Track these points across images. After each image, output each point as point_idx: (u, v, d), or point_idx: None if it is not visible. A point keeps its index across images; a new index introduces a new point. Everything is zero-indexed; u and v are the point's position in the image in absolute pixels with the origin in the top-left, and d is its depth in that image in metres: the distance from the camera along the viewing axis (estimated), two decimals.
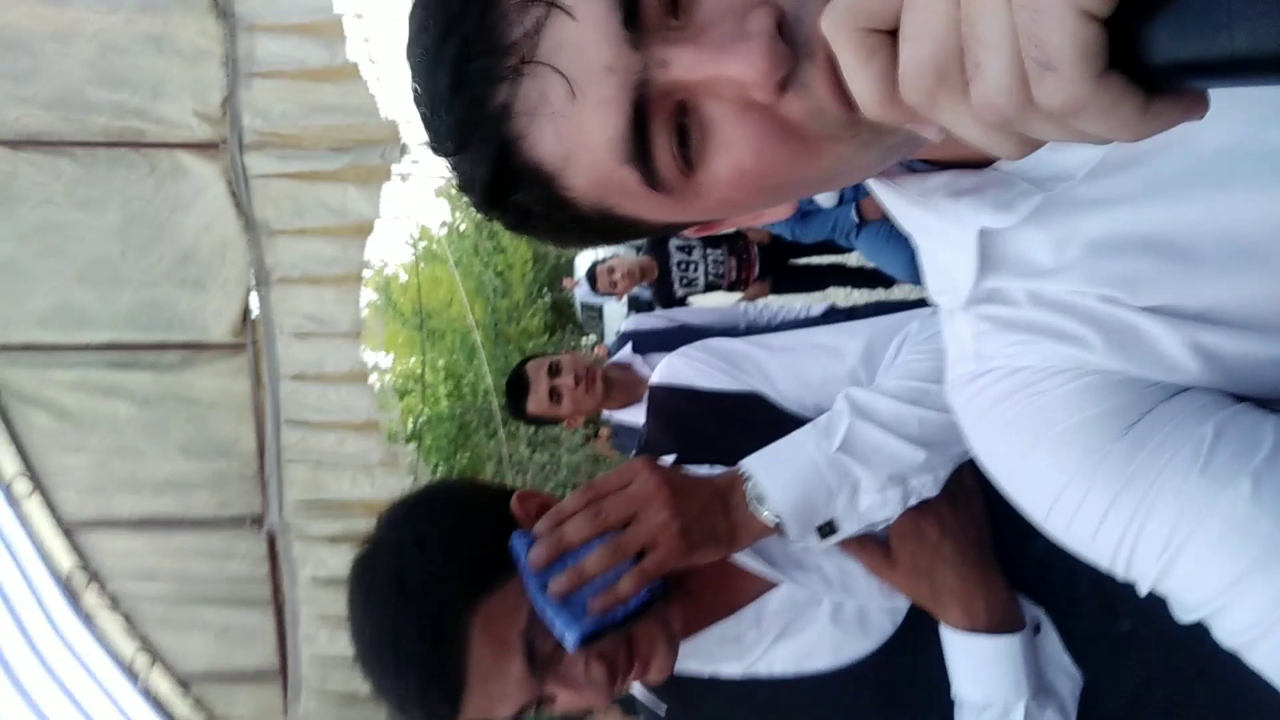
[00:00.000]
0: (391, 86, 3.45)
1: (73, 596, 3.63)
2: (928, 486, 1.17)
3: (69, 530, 3.61)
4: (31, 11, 3.34)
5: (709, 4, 0.59)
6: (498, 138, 0.63)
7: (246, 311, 3.53)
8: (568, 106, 0.61)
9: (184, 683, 3.82)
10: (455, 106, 0.63)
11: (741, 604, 1.27)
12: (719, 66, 0.58)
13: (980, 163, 0.73)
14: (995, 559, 1.20)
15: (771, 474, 1.16)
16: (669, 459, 1.36)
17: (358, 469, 3.72)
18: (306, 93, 3.36)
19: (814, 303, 3.85)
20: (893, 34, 0.45)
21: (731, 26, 0.58)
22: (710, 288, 4.90)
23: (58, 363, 3.52)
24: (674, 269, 4.75)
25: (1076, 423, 0.74)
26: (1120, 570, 0.73)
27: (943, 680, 1.17)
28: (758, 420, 1.37)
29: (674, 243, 4.80)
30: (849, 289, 6.53)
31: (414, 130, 3.28)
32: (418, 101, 0.67)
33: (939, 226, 0.78)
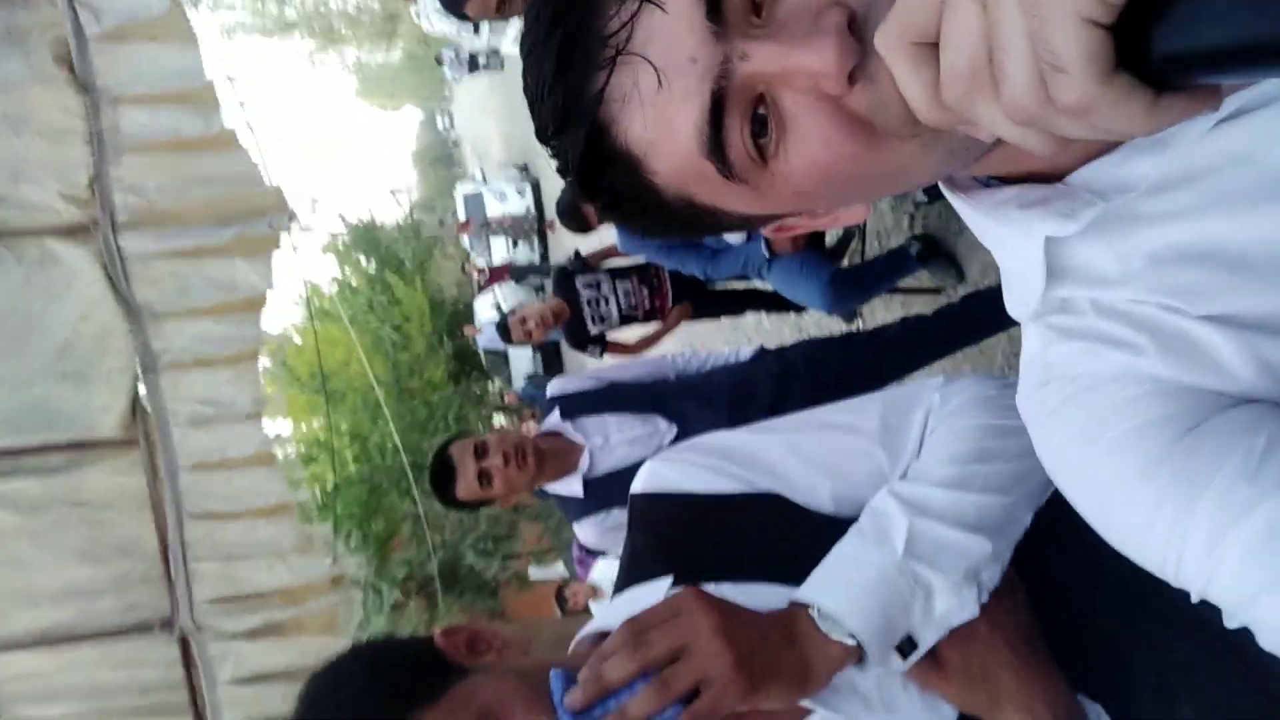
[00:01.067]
0: (273, 151, 3.22)
1: None
2: (996, 578, 1.04)
3: None
4: None
5: (788, 3, 0.63)
6: (592, 122, 0.68)
7: (135, 402, 3.24)
8: (654, 95, 0.65)
9: None
10: (557, 92, 0.68)
11: None
12: (795, 58, 0.62)
13: (1050, 177, 0.76)
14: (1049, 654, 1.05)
15: (836, 594, 1.01)
16: (665, 582, 1.17)
17: (272, 556, 3.43)
18: (182, 165, 3.10)
19: (725, 336, 3.75)
20: (937, 46, 0.50)
21: (807, 23, 0.62)
22: (625, 320, 4.76)
23: None
24: (585, 306, 4.61)
25: (1131, 428, 0.75)
26: (1171, 576, 0.73)
27: None
28: (771, 524, 1.20)
29: (580, 280, 4.66)
30: (761, 314, 6.50)
31: (300, 195, 3.08)
32: (526, 91, 0.71)
33: (1010, 238, 0.81)
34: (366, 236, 23.80)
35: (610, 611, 1.22)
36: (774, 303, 5.12)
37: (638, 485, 1.34)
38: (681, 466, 1.29)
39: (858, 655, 1.00)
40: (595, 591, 8.00)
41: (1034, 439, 0.84)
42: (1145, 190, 0.72)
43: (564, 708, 0.96)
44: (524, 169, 26.37)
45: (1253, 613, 0.68)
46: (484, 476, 3.01)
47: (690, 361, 3.48)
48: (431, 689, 1.05)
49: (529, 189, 24.18)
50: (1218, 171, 0.71)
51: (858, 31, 0.61)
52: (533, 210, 23.61)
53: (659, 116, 0.66)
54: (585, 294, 4.64)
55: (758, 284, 4.89)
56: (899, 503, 1.06)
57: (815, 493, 1.21)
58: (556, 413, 3.28)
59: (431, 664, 1.10)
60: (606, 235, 5.26)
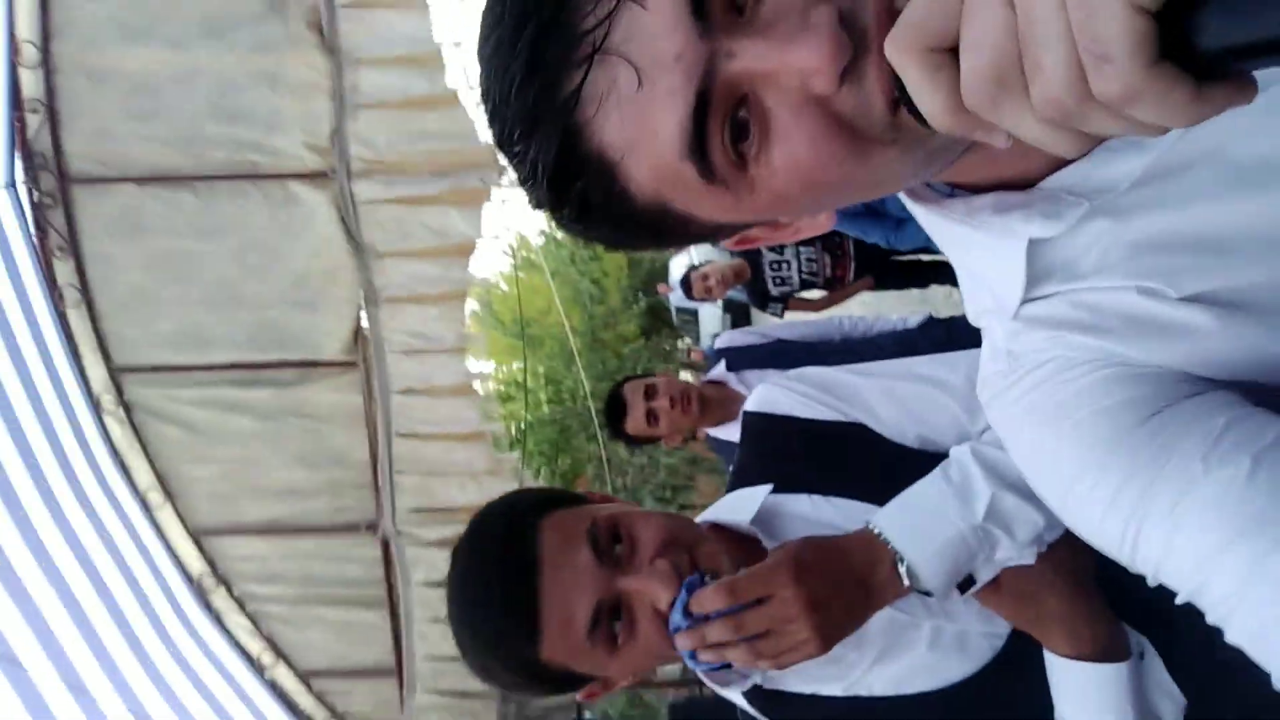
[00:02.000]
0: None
1: (203, 598, 3.75)
2: (1057, 535, 1.13)
3: (198, 536, 3.74)
4: (155, 56, 3.46)
5: (772, 0, 0.59)
6: (565, 124, 0.63)
7: (357, 330, 3.61)
8: (634, 95, 0.61)
9: (306, 678, 3.93)
10: (527, 92, 0.63)
11: None
12: (786, 55, 0.59)
13: (1018, 184, 0.74)
14: (1099, 589, 1.15)
15: (919, 545, 1.11)
16: (765, 489, 1.33)
17: (465, 477, 3.77)
18: (409, 121, 3.41)
19: (912, 308, 3.74)
20: (953, 51, 0.47)
21: (796, 20, 0.58)
22: (805, 285, 4.78)
23: (185, 382, 3.65)
24: (766, 269, 4.68)
25: (1096, 410, 0.74)
26: (1127, 559, 0.72)
27: (1042, 707, 1.14)
28: (858, 449, 1.34)
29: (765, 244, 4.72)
30: (949, 287, 6.35)
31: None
32: (486, 95, 0.66)
33: (986, 242, 0.78)
34: None
35: (718, 508, 1.40)
36: None
37: (751, 404, 1.49)
38: (788, 392, 1.43)
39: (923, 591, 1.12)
40: None
41: (995, 426, 0.85)
42: (1125, 187, 0.70)
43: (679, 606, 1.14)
44: None
45: (1195, 586, 0.68)
46: (651, 415, 3.18)
47: (858, 325, 3.52)
48: (559, 503, 1.27)
49: None
50: (1191, 167, 0.70)
51: (846, 27, 0.58)
52: None
53: (639, 117, 0.62)
54: (768, 256, 4.69)
55: (943, 258, 4.78)
56: (983, 469, 1.14)
57: (902, 433, 1.33)
58: (723, 364, 3.42)
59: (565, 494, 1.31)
60: None
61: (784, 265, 4.68)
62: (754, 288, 4.77)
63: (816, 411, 1.39)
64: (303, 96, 3.44)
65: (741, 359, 3.40)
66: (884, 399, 1.36)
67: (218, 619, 3.77)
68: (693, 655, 1.14)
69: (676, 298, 5.37)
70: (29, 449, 3.33)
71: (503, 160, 3.07)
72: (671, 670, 5.76)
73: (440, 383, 3.64)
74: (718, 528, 1.33)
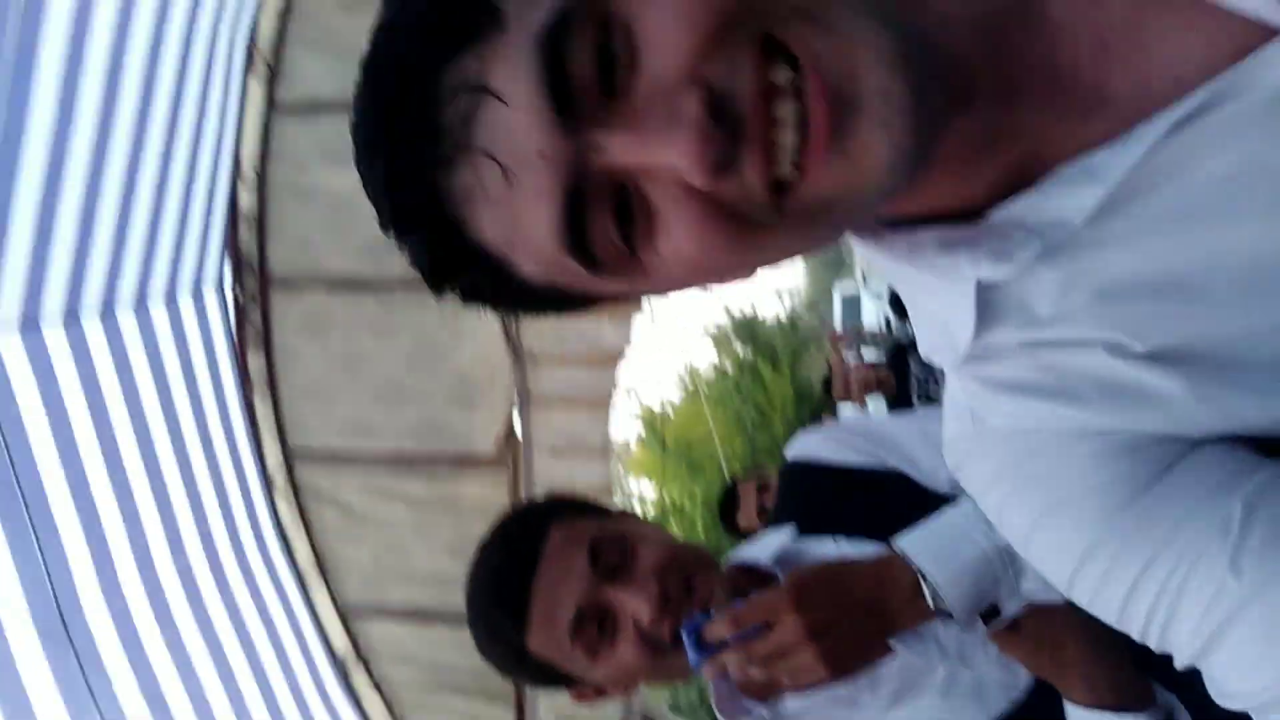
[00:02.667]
0: None
1: (344, 675, 3.89)
2: None
3: (346, 615, 3.91)
4: (353, 177, 3.77)
5: (641, 85, 0.56)
6: (439, 223, 0.61)
7: (509, 430, 3.77)
8: (504, 193, 0.59)
9: None
10: (395, 194, 0.62)
11: None
12: (654, 154, 0.56)
13: (965, 213, 0.69)
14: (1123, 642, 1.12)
15: (942, 564, 1.11)
16: (788, 529, 1.37)
17: None
18: None
19: None
20: None
21: (663, 110, 0.55)
22: None
23: (349, 468, 3.87)
24: (914, 382, 4.66)
25: (1090, 486, 0.70)
26: (1152, 644, 0.70)
27: None
28: (895, 497, 1.36)
29: (914, 357, 4.71)
30: None
31: None
32: (364, 185, 0.65)
33: (932, 283, 0.73)
34: (746, 327, 24.72)
35: (744, 548, 1.43)
36: None
37: (790, 453, 1.53)
38: (826, 440, 1.47)
39: (945, 616, 1.10)
40: None
41: (974, 494, 0.80)
42: (1080, 222, 0.65)
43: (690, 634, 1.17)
44: None
45: (1259, 703, 0.64)
46: (763, 511, 3.19)
47: None
48: (571, 514, 1.33)
49: None
50: (1149, 193, 0.64)
51: (719, 114, 0.55)
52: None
53: (512, 217, 0.60)
54: (916, 371, 4.68)
55: None
56: None
57: (936, 475, 1.33)
58: None
59: (584, 503, 1.38)
60: None
61: (932, 383, 4.65)
62: (894, 399, 4.75)
63: (853, 458, 1.42)
64: None
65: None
66: (918, 440, 1.38)
67: (355, 697, 3.88)
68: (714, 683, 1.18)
69: None
70: (205, 519, 3.58)
71: None
72: None
73: (582, 483, 3.74)
74: (744, 568, 1.37)
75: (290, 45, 3.60)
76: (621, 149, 0.57)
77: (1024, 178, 0.66)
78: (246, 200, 3.74)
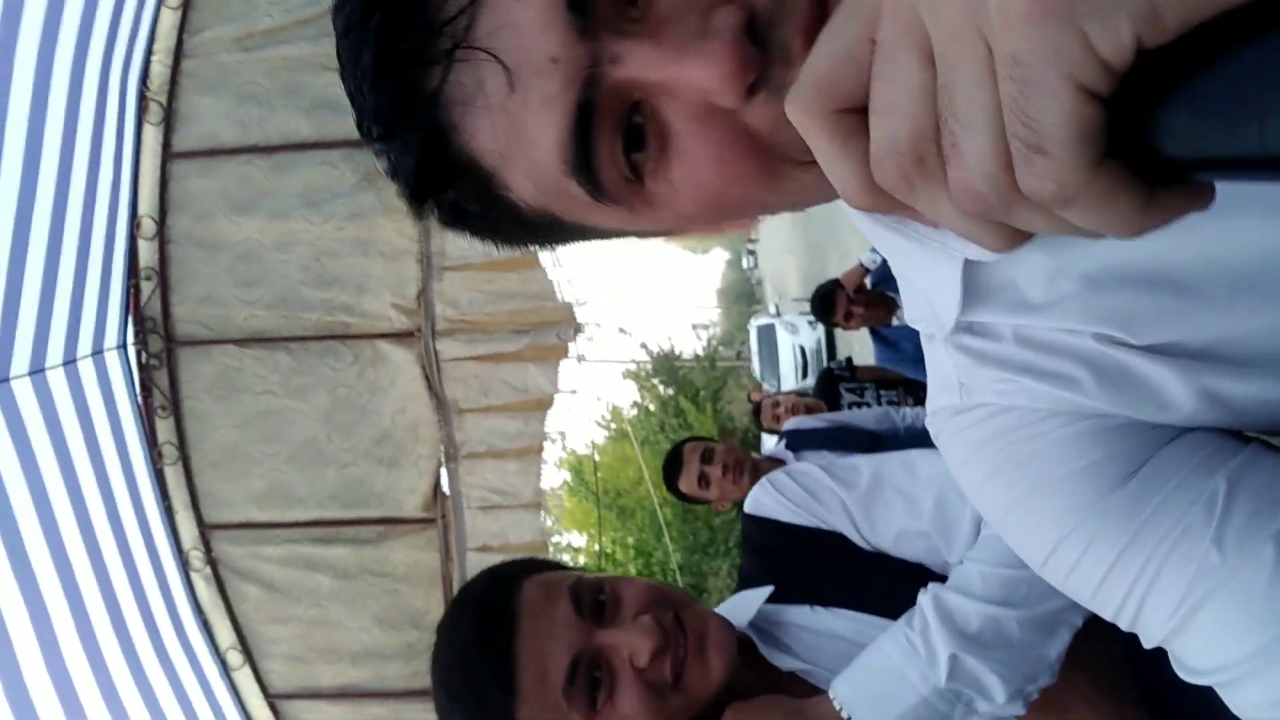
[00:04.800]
0: (566, 271, 3.53)
1: None
2: (1046, 677, 1.04)
3: (274, 700, 3.62)
4: (259, 226, 3.58)
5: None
6: (428, 127, 0.54)
7: (436, 487, 3.55)
8: (506, 99, 0.51)
9: None
10: (380, 89, 0.53)
11: None
12: (679, 68, 0.49)
13: None
14: (1137, 694, 1.05)
15: (877, 716, 1.06)
16: (765, 592, 1.31)
17: None
18: (491, 282, 3.45)
19: None
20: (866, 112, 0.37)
21: (695, 22, 0.49)
22: None
23: (269, 539, 3.60)
24: (844, 409, 4.56)
25: (1075, 470, 0.66)
26: (1124, 624, 0.66)
27: None
28: (838, 556, 1.31)
29: (844, 384, 4.64)
30: None
31: (587, 312, 3.38)
32: (343, 75, 0.55)
33: (921, 255, 0.68)
34: (666, 365, 24.80)
35: (723, 608, 1.34)
36: None
37: (747, 506, 1.48)
38: (777, 497, 1.40)
39: None
40: None
41: (953, 469, 0.75)
42: None
43: None
44: None
45: (1225, 679, 0.61)
46: (703, 479, 3.11)
47: (919, 417, 3.42)
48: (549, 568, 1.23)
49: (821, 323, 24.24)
50: None
51: (758, 35, 0.49)
52: (823, 342, 23.64)
53: (512, 127, 0.52)
54: (847, 397, 4.61)
55: None
56: (942, 624, 1.06)
57: (878, 542, 1.30)
58: (784, 442, 3.40)
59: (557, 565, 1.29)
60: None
61: (862, 408, 4.56)
62: None
63: (797, 517, 1.37)
64: (393, 260, 3.51)
65: (804, 440, 3.36)
66: (862, 516, 1.32)
67: None
68: None
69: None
70: (115, 603, 3.29)
71: (579, 318, 2.99)
72: None
73: (515, 539, 3.54)
74: None
75: (184, 88, 3.38)
76: (643, 61, 0.50)
77: None
78: (147, 254, 3.49)
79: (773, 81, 0.49)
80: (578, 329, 3.39)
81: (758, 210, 0.60)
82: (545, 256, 3.42)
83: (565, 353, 3.45)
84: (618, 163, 0.53)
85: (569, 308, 3.41)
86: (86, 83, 2.94)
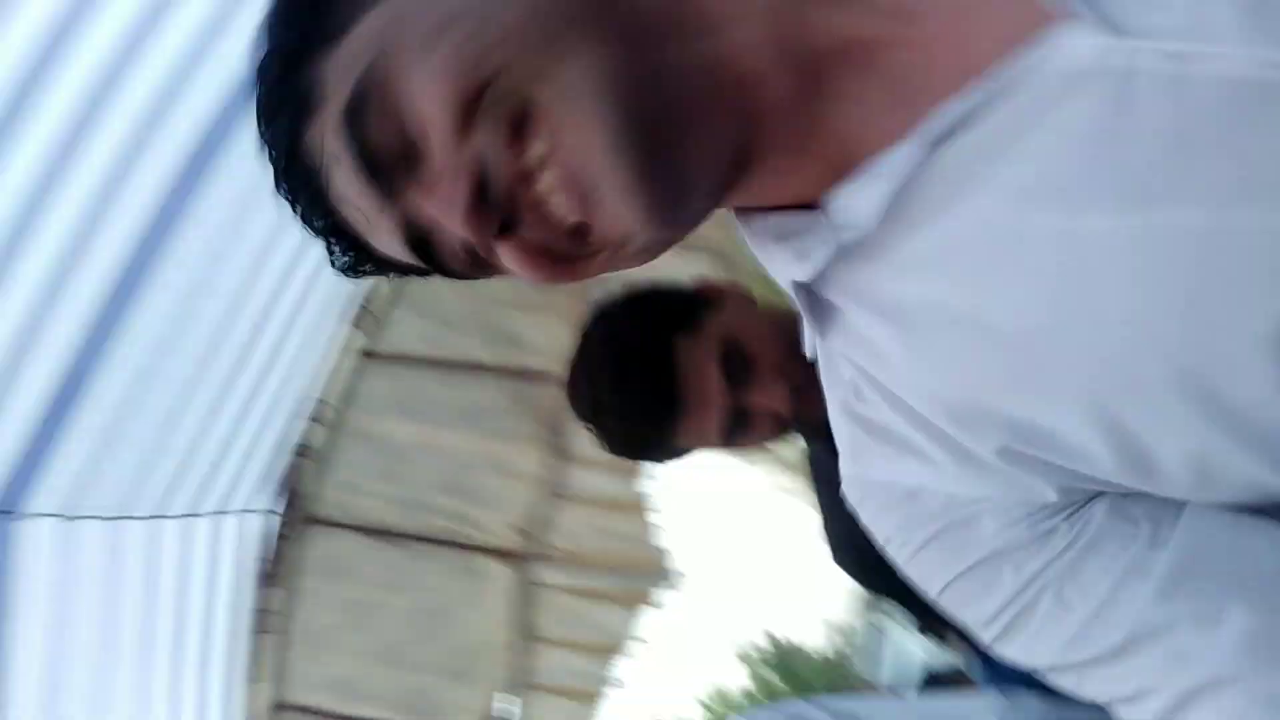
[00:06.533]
0: (663, 520, 3.54)
1: None
2: None
3: None
4: (416, 430, 3.77)
5: (430, 162, 0.58)
6: (336, 232, 0.64)
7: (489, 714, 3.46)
8: (368, 228, 0.62)
9: None
10: (281, 177, 0.64)
11: None
12: (449, 224, 0.59)
13: (811, 205, 0.61)
14: None
15: None
16: None
17: None
18: (601, 518, 3.49)
19: None
20: None
21: (446, 187, 0.58)
22: None
23: None
24: None
25: (995, 552, 0.60)
26: (1070, 687, 0.62)
27: None
28: None
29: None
30: None
31: (678, 562, 3.37)
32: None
33: (774, 274, 0.67)
34: (784, 656, 23.26)
35: None
36: None
37: None
38: None
39: None
40: None
41: (873, 536, 0.68)
42: (875, 225, 0.57)
43: None
44: None
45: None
46: None
47: None
48: (687, 321, 1.31)
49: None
50: (949, 202, 0.56)
51: (490, 193, 0.57)
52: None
53: (374, 235, 0.63)
54: None
55: None
56: None
57: None
58: None
59: (689, 302, 1.36)
60: None
61: None
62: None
63: None
64: (519, 480, 3.61)
65: None
66: None
67: None
68: None
69: None
70: None
71: (669, 566, 2.98)
72: None
73: None
74: None
75: (400, 305, 3.68)
76: (433, 210, 0.59)
77: (863, 156, 0.59)
78: (318, 435, 3.70)
79: (520, 224, 0.59)
80: (667, 579, 3.37)
81: (597, 274, 0.64)
82: (651, 500, 3.47)
83: (648, 600, 3.42)
84: (461, 257, 0.62)
85: (661, 555, 3.41)
86: (291, 283, 3.22)
